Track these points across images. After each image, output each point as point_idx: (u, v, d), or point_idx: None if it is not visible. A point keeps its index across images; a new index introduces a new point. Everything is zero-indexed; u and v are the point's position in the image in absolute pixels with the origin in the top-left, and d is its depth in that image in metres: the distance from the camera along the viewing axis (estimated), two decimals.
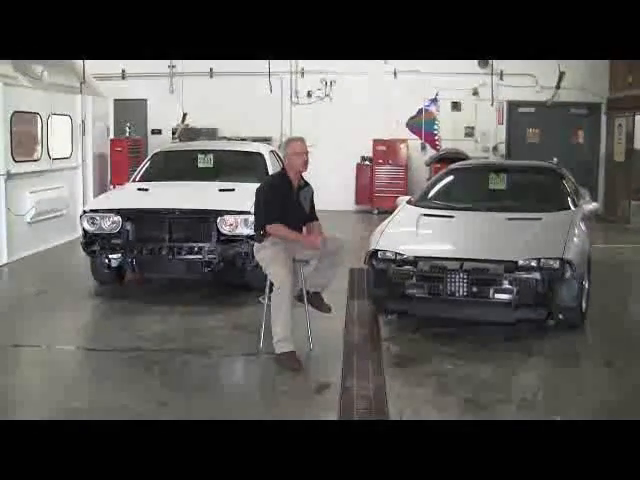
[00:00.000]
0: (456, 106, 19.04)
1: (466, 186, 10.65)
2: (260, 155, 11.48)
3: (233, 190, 10.20)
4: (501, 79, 18.70)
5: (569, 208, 9.44)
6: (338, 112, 18.72)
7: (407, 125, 18.91)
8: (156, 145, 15.70)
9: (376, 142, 18.71)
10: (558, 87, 18.26)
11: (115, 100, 16.95)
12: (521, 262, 7.85)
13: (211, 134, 18.30)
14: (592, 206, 10.02)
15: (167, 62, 19.02)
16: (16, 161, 12.11)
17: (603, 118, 18.83)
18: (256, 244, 7.62)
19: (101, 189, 15.34)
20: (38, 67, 13.04)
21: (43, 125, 13.07)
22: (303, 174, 7.70)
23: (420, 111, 18.80)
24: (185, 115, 18.76)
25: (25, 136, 12.85)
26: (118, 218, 9.60)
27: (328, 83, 18.94)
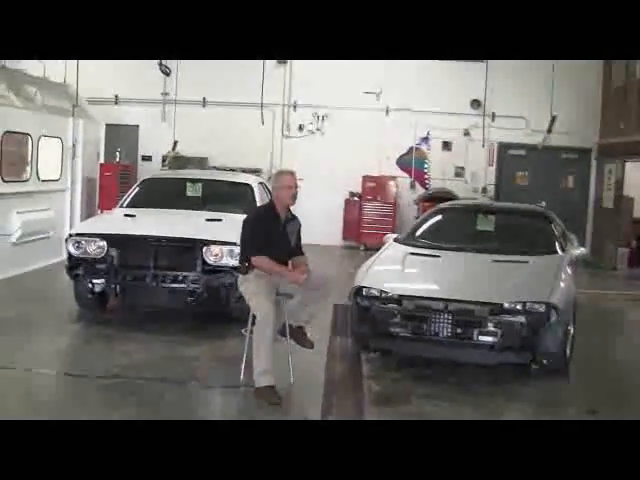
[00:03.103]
0: (447, 146, 19.09)
1: (454, 226, 10.62)
2: (249, 186, 11.45)
3: (220, 220, 10.16)
4: (493, 120, 18.79)
5: (557, 252, 9.42)
6: (329, 147, 18.76)
7: (397, 162, 18.99)
8: (146, 171, 15.72)
9: (366, 178, 18.72)
10: (550, 131, 18.35)
11: (107, 125, 16.93)
12: (506, 305, 7.80)
13: (201, 163, 18.28)
14: (580, 251, 10.01)
15: (160, 89, 19.08)
16: (5, 181, 12.06)
17: (593, 163, 18.90)
18: (240, 276, 7.57)
19: (89, 213, 15.28)
20: (31, 88, 13.02)
21: (33, 146, 13.02)
22: (291, 207, 7.67)
23: (411, 149, 18.90)
24: (176, 143, 18.76)
25: (15, 156, 12.80)
26: (104, 243, 9.53)
27: (320, 117, 18.99)
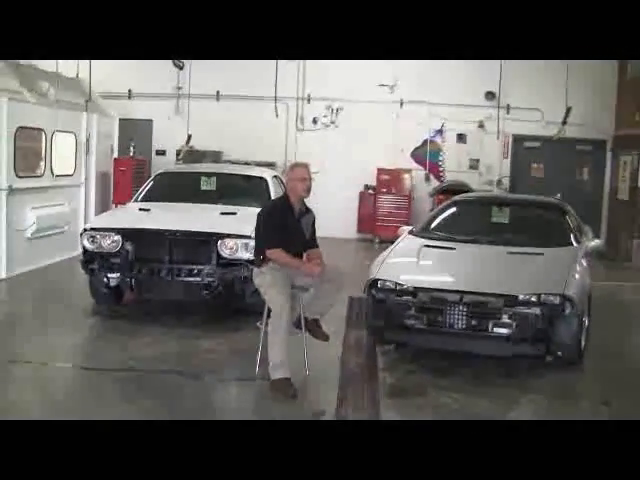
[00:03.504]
0: (461, 138, 19.01)
1: (469, 218, 10.60)
2: (263, 180, 11.45)
3: (235, 214, 10.17)
4: (507, 113, 18.70)
5: (571, 244, 9.40)
6: (343, 140, 18.74)
7: (412, 155, 18.97)
8: (160, 166, 15.68)
9: (380, 171, 18.65)
10: (564, 123, 18.27)
11: (120, 119, 16.95)
12: (521, 297, 7.79)
13: (215, 157, 18.28)
14: (595, 243, 9.98)
15: (174, 83, 19.08)
16: (19, 176, 12.09)
17: (608, 155, 18.80)
18: (255, 269, 7.59)
19: (103, 208, 15.31)
20: (44, 83, 13.04)
21: (47, 141, 13.06)
22: (305, 200, 7.67)
23: (425, 141, 18.87)
24: (190, 137, 18.78)
25: (29, 152, 12.84)
26: (118, 237, 9.55)
27: (334, 110, 18.95)
